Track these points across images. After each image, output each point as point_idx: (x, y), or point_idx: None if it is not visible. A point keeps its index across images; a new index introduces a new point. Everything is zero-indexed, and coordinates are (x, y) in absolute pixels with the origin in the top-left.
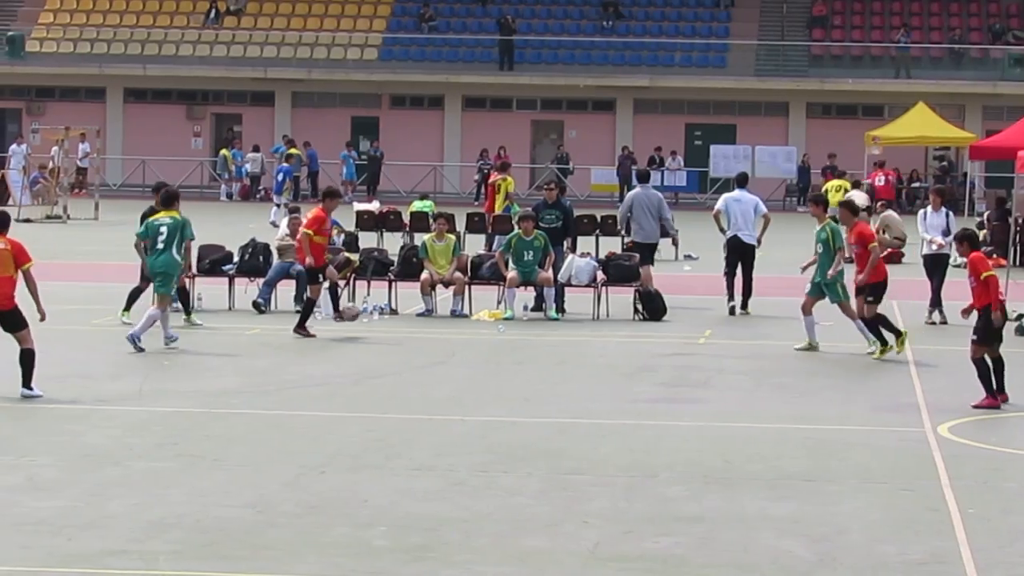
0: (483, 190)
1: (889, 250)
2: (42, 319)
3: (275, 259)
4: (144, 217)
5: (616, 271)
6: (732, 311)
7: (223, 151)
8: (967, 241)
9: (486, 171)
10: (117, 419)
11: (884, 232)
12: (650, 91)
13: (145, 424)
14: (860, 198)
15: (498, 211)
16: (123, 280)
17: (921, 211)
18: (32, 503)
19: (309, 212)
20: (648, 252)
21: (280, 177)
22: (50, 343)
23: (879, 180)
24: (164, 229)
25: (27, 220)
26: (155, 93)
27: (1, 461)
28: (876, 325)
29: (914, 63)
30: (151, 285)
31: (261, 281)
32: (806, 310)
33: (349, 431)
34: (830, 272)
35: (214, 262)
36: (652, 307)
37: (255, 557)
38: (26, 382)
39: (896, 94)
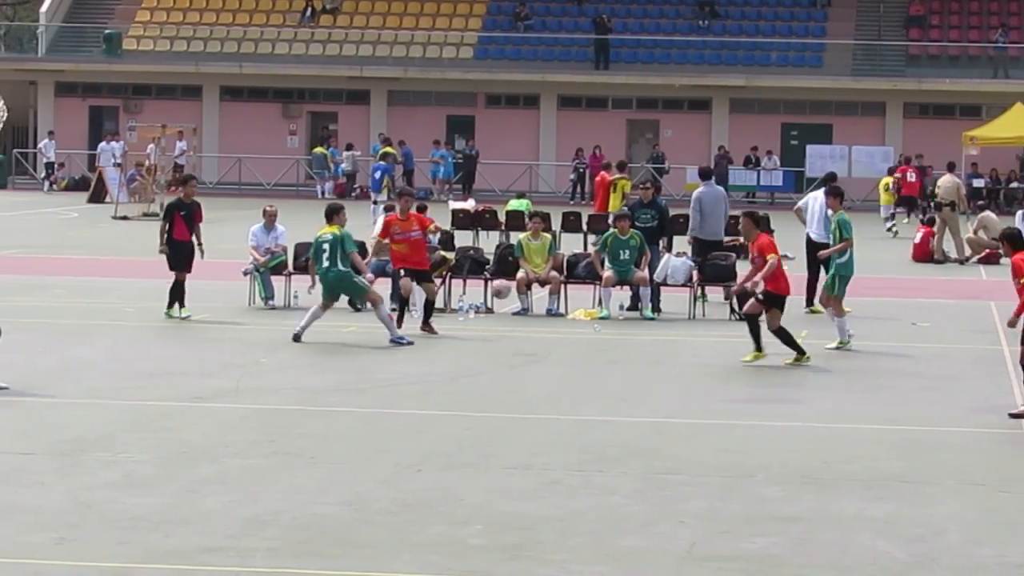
0: (578, 189)
1: (987, 251)
2: None
3: (371, 257)
4: (169, 211)
5: (712, 271)
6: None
7: (320, 148)
8: (1008, 241)
9: (582, 170)
10: (214, 416)
11: (980, 232)
12: (746, 90)
13: (242, 421)
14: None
15: (614, 211)
16: (218, 277)
17: (1020, 211)
18: (129, 499)
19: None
20: (710, 249)
21: (378, 175)
22: (146, 340)
23: (910, 176)
24: (326, 245)
25: (124, 217)
26: (251, 91)
27: (98, 458)
28: (784, 335)
29: (1012, 63)
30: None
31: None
32: (826, 305)
33: (445, 429)
34: (821, 253)
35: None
36: None
37: (350, 555)
38: None
39: (994, 94)
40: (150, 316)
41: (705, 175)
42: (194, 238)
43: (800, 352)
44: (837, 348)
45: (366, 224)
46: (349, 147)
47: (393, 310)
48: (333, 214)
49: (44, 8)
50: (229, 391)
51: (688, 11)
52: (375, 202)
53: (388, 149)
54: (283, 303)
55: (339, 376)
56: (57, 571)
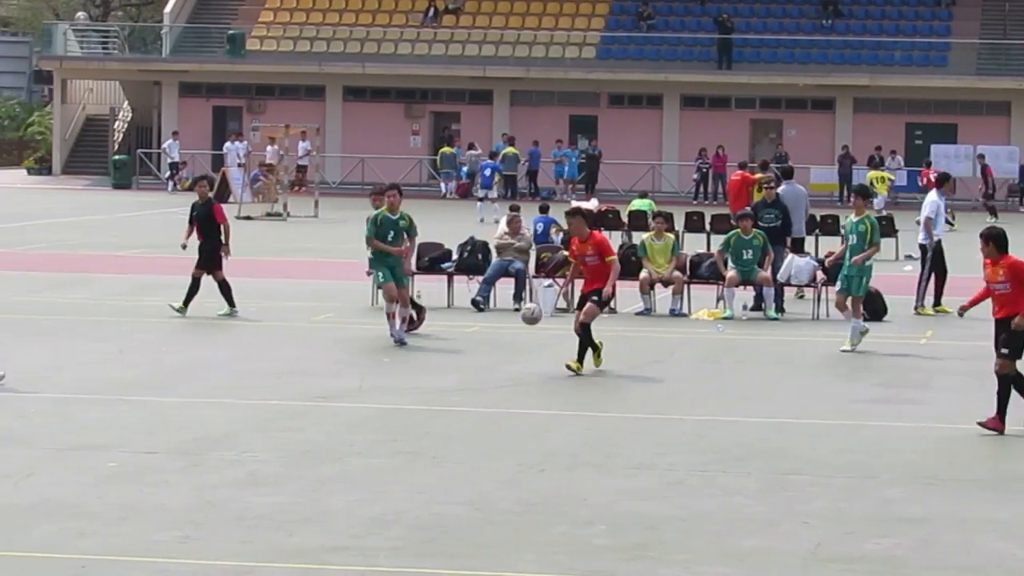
0: (701, 189)
1: None
2: None
3: (494, 257)
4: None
5: (837, 271)
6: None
7: (447, 148)
8: (994, 242)
9: (705, 170)
10: (337, 416)
11: None
12: (870, 90)
13: (364, 421)
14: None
15: None
16: (341, 278)
17: None
18: (253, 498)
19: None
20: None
21: (488, 172)
22: (271, 340)
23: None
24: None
25: (247, 217)
26: (374, 91)
27: (223, 457)
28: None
29: None
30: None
31: (480, 279)
32: (841, 307)
33: (568, 429)
34: (855, 259)
35: (433, 260)
36: (872, 307)
37: (473, 555)
38: None
39: None
40: (273, 315)
41: (788, 174)
42: (222, 237)
43: (582, 357)
44: (850, 350)
45: (473, 222)
46: (471, 147)
47: (516, 309)
48: (380, 195)
49: (168, 9)
50: (352, 391)
51: (812, 10)
52: (482, 199)
53: (510, 150)
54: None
55: (461, 376)
56: (181, 569)
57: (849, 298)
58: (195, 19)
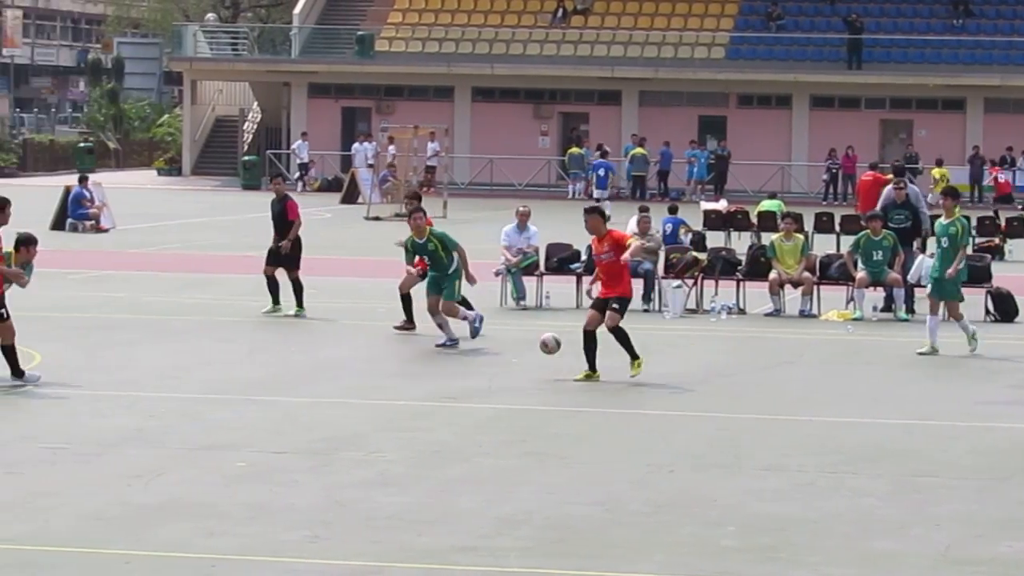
0: (831, 190)
1: None
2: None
3: (628, 256)
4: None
5: (967, 272)
6: None
7: (576, 149)
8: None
9: (835, 170)
10: (466, 416)
11: None
12: (1001, 90)
13: (493, 421)
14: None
15: None
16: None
17: None
18: (382, 498)
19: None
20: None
21: (601, 172)
22: (397, 340)
23: (1002, 177)
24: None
25: (376, 218)
26: (502, 92)
27: (352, 457)
28: (623, 337)
29: None
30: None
31: None
32: (934, 310)
33: (697, 430)
34: (950, 271)
35: (562, 260)
36: (1004, 308)
37: (602, 555)
38: (15, 372)
39: None
40: (400, 315)
41: (898, 173)
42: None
43: (634, 356)
44: (928, 352)
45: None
46: (599, 148)
47: (646, 310)
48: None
49: (297, 10)
50: (481, 391)
51: (942, 10)
52: (598, 200)
53: (639, 150)
54: (535, 303)
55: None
56: (310, 569)
57: (942, 303)
58: (324, 20)
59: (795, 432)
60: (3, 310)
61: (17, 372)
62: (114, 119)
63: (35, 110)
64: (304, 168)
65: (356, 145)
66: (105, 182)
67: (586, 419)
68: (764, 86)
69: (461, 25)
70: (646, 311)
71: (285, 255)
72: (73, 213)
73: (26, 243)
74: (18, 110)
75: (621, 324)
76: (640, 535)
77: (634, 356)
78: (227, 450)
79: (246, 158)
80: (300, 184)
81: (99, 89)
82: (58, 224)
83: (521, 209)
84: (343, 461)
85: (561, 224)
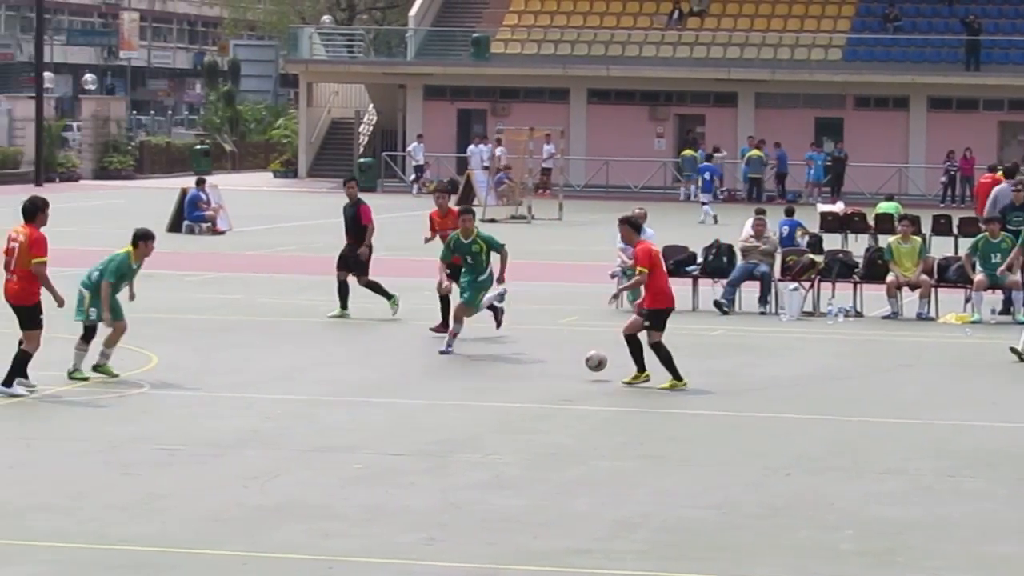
0: (949, 192)
1: None
2: (59, 304)
3: (739, 260)
4: None
5: None
6: None
7: (689, 151)
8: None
9: (953, 172)
10: (582, 418)
11: None
12: None
13: (610, 424)
14: None
15: None
16: (586, 280)
17: None
18: (497, 500)
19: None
20: None
21: (707, 176)
22: (512, 342)
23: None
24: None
25: (492, 220)
26: (618, 94)
27: (468, 459)
28: (638, 351)
29: None
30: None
31: (724, 282)
32: None
33: (814, 433)
34: (1000, 270)
35: (678, 263)
36: None
37: (719, 558)
38: (7, 380)
39: None
40: (519, 318)
41: (1009, 175)
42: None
43: (677, 377)
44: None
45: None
46: (716, 150)
47: (762, 312)
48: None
49: (413, 12)
50: (597, 394)
51: None
52: (704, 203)
53: (755, 152)
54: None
55: (707, 379)
56: (427, 571)
57: None
58: (439, 22)
59: (913, 435)
60: (41, 316)
61: (8, 383)
62: (230, 121)
63: (152, 112)
64: (419, 170)
65: (472, 147)
66: (221, 184)
67: (702, 422)
68: (881, 88)
69: (576, 27)
70: (763, 314)
71: (355, 261)
72: (189, 215)
73: (144, 238)
74: (135, 112)
75: (663, 342)
76: (756, 538)
77: (677, 377)
78: (343, 452)
79: (361, 160)
80: (415, 187)
81: (215, 91)
82: (174, 226)
83: (637, 211)
84: (459, 463)
85: (676, 227)
